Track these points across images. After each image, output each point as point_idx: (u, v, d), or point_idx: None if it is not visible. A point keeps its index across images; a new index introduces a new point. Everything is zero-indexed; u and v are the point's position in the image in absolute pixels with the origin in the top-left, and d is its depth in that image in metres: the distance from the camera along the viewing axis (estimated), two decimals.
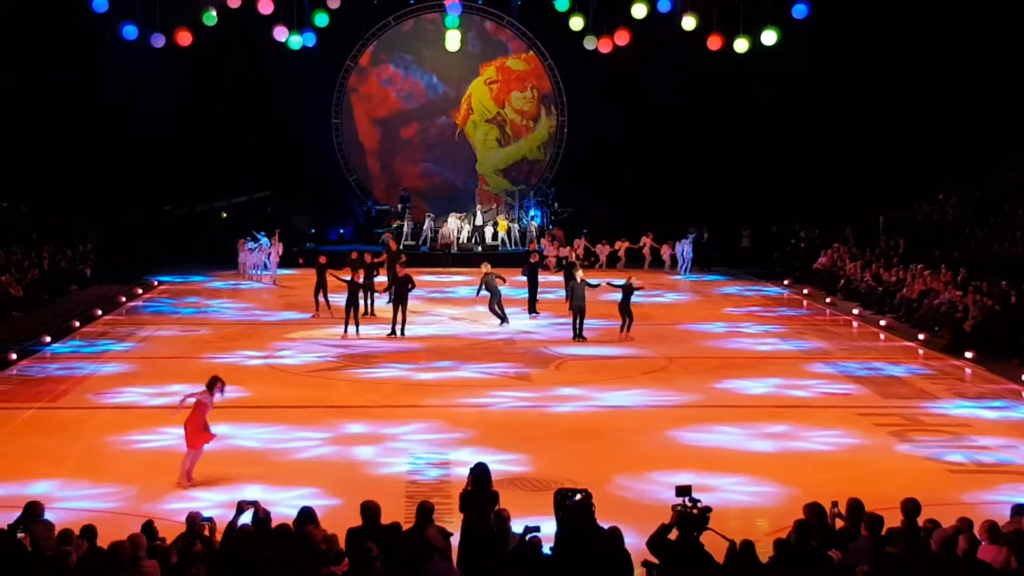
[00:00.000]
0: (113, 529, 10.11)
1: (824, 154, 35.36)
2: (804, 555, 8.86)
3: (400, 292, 23.56)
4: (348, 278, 23.84)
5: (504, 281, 24.70)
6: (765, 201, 36.24)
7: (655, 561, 8.87)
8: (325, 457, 15.06)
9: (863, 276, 29.44)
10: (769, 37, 32.72)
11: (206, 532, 9.67)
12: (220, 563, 9.11)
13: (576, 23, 34.23)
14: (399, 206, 37.33)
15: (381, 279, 26.43)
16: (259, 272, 32.71)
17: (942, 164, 33.95)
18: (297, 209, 37.56)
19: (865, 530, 9.37)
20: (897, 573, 8.71)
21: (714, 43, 32.93)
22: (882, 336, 24.63)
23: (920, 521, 9.66)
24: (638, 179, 37.07)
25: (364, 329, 23.61)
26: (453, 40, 36.40)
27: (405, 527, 9.80)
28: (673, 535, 8.82)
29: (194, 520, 9.65)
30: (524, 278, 27.00)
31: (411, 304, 24.31)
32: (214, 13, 32.42)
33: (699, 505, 8.79)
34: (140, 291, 29.89)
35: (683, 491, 8.89)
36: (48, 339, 22.76)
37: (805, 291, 30.85)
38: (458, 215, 37.59)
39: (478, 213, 37.68)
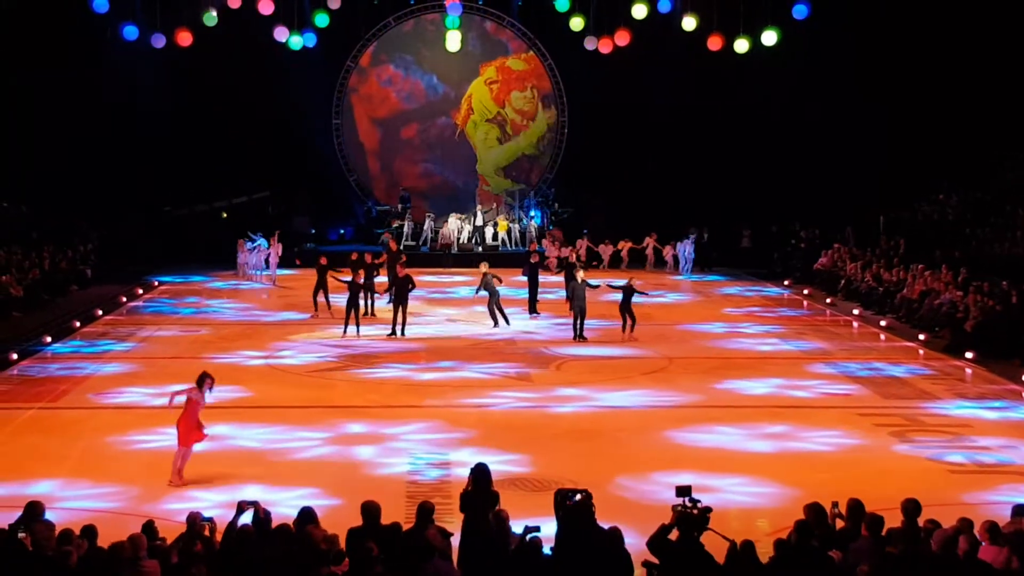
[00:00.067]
0: (114, 529, 10.11)
1: (824, 154, 35.37)
2: (804, 555, 8.85)
3: (400, 292, 23.57)
4: (348, 279, 23.85)
5: (500, 281, 24.67)
6: (765, 201, 36.25)
7: (655, 561, 8.87)
8: (325, 457, 15.06)
9: (863, 276, 29.43)
10: (769, 37, 32.71)
11: (206, 532, 9.67)
12: (220, 563, 9.11)
13: (576, 23, 34.22)
14: (399, 206, 37.34)
15: (381, 279, 26.45)
16: (259, 272, 32.71)
17: (942, 164, 33.95)
18: (297, 209, 37.56)
19: (865, 530, 9.37)
20: (897, 573, 8.71)
21: (714, 43, 32.91)
22: (883, 336, 24.63)
23: (921, 521, 9.66)
24: (638, 179, 37.10)
25: (364, 329, 23.60)
26: (453, 40, 36.40)
27: (405, 527, 9.80)
28: (673, 535, 8.82)
29: (194, 520, 9.65)
30: (524, 278, 26.99)
31: (411, 304, 24.28)
32: (214, 13, 32.42)
33: (699, 505, 8.78)
34: (140, 291, 29.89)
35: (683, 491, 8.88)
36: (49, 339, 22.77)
37: (806, 291, 30.85)
38: (458, 215, 37.59)
39: (478, 213, 37.68)
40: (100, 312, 26.22)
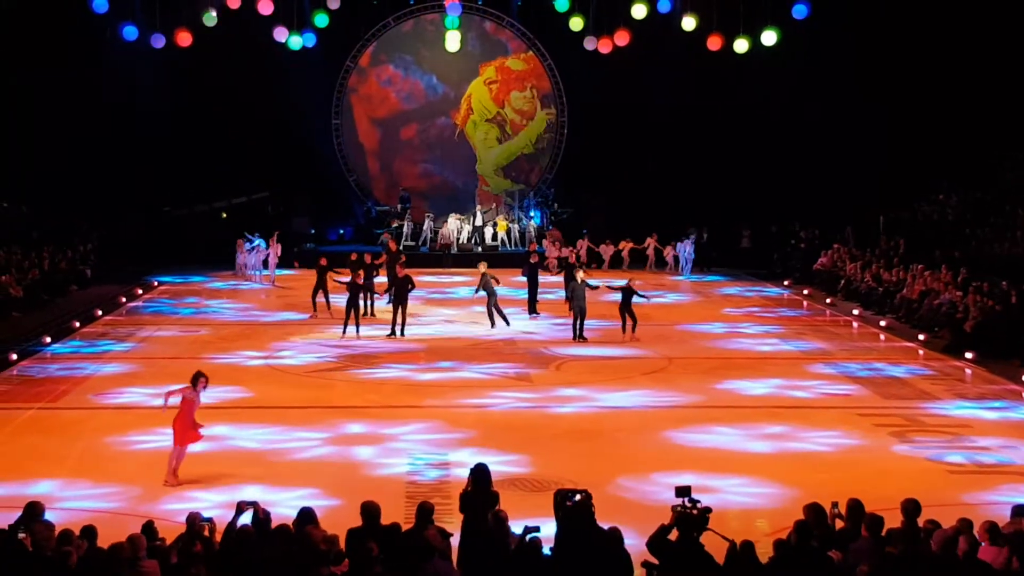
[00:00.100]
0: (113, 529, 10.10)
1: (824, 154, 35.37)
2: (804, 556, 8.85)
3: (400, 293, 23.56)
4: (347, 279, 23.85)
5: (498, 282, 24.62)
6: (765, 201, 36.25)
7: (655, 562, 8.87)
8: (325, 457, 15.06)
9: (863, 276, 29.43)
10: (769, 37, 32.72)
11: (206, 532, 9.66)
12: (220, 564, 9.11)
13: (576, 23, 34.22)
14: (399, 206, 37.34)
15: (381, 280, 26.44)
16: (258, 273, 32.70)
17: (942, 164, 33.95)
18: (297, 210, 37.56)
19: (865, 531, 9.37)
20: (897, 574, 8.71)
21: (714, 43, 32.92)
22: (882, 337, 24.63)
23: (920, 522, 9.66)
24: (638, 179, 37.10)
25: (364, 330, 23.59)
26: (453, 41, 36.40)
27: (405, 527, 9.80)
28: (673, 536, 8.82)
29: (194, 520, 9.65)
30: (524, 278, 26.98)
31: (410, 305, 24.26)
32: (214, 13, 32.42)
33: (699, 506, 8.78)
34: (140, 291, 29.89)
35: (683, 492, 8.88)
36: (48, 339, 22.77)
37: (805, 291, 30.85)
38: (458, 216, 37.59)
39: (478, 214, 37.68)
40: (100, 312, 26.22)
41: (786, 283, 32.70)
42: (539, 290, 26.51)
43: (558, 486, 10.41)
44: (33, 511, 9.74)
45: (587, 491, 9.45)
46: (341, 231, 38.55)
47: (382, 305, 25.25)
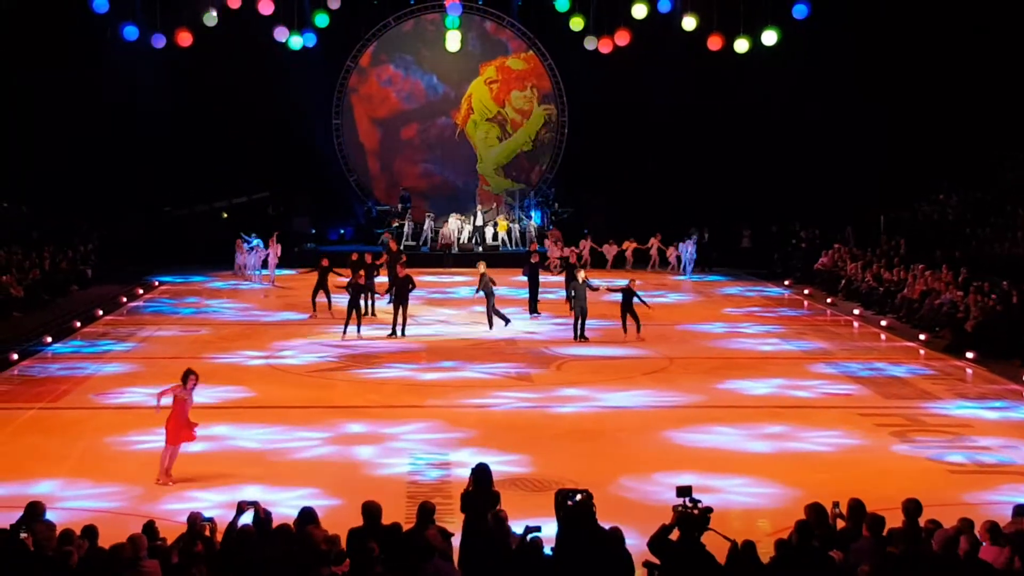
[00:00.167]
0: (114, 529, 10.11)
1: (824, 154, 35.37)
2: (805, 555, 8.85)
3: (401, 293, 23.56)
4: (349, 280, 23.86)
5: (494, 283, 24.58)
6: (765, 201, 36.25)
7: (656, 561, 8.87)
8: (325, 457, 15.06)
9: (864, 276, 29.43)
10: (769, 37, 32.72)
11: (207, 532, 9.66)
12: (221, 563, 9.11)
13: (576, 23, 34.23)
14: (399, 206, 37.34)
15: (382, 280, 26.44)
16: (257, 273, 32.67)
17: (942, 164, 33.95)
18: (297, 209, 37.56)
19: (866, 530, 9.37)
20: (898, 573, 8.71)
21: (714, 43, 32.92)
22: (883, 336, 24.63)
23: (921, 521, 9.65)
24: (638, 179, 37.11)
25: (364, 330, 23.59)
26: (453, 40, 36.40)
27: (406, 527, 9.80)
28: (674, 535, 8.81)
29: (195, 520, 9.65)
30: (525, 278, 26.97)
31: (410, 305, 24.25)
32: (214, 13, 32.42)
33: (700, 505, 8.78)
34: (141, 291, 29.89)
35: (684, 491, 8.88)
36: (49, 339, 22.77)
37: (806, 291, 30.84)
38: (458, 216, 37.58)
39: (478, 213, 37.68)
40: (100, 312, 26.22)
41: (787, 283, 32.70)
42: (540, 290, 26.50)
43: (559, 486, 10.41)
44: (34, 511, 9.74)
45: (588, 491, 9.45)
46: (342, 231, 38.55)
47: (383, 305, 25.24)
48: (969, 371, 20.88)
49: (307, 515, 9.77)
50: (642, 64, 35.36)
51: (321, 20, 33.78)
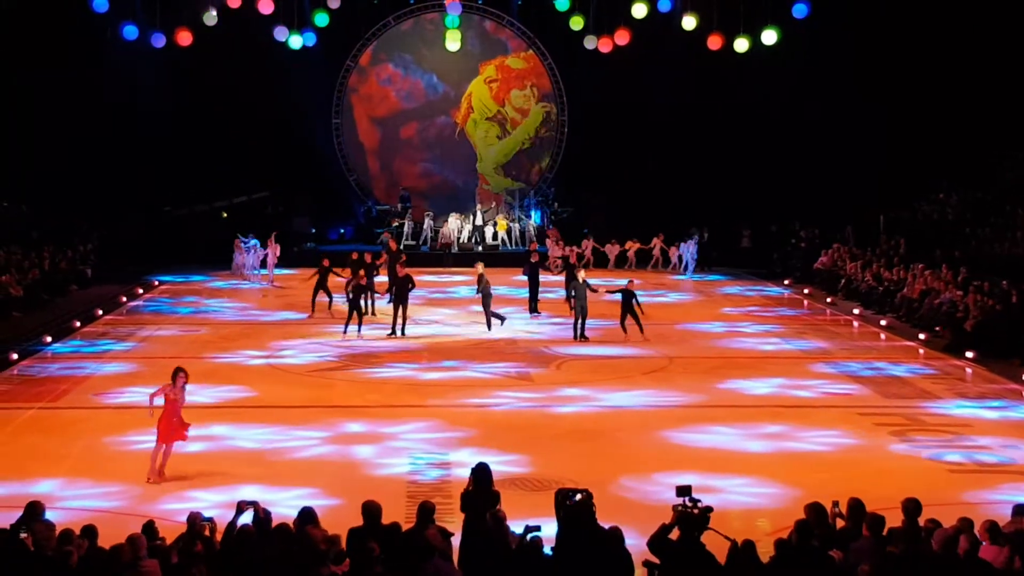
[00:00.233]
0: (114, 529, 10.11)
1: (824, 154, 35.35)
2: (805, 555, 8.85)
3: (400, 292, 23.56)
4: (349, 280, 23.85)
5: (489, 284, 24.54)
6: (765, 201, 36.23)
7: (656, 561, 8.87)
8: (325, 457, 15.06)
9: (864, 276, 29.43)
10: (769, 37, 32.74)
11: (206, 532, 9.66)
12: (220, 563, 9.11)
13: (576, 23, 34.22)
14: (399, 206, 37.34)
15: (382, 279, 26.44)
16: (256, 272, 32.65)
17: (942, 164, 33.94)
18: (297, 209, 37.55)
19: (866, 530, 9.37)
20: (898, 573, 8.71)
21: (714, 43, 32.94)
22: (883, 336, 24.63)
23: (921, 521, 9.66)
24: (638, 179, 37.10)
25: (364, 330, 23.58)
26: (453, 40, 36.40)
27: (405, 527, 9.79)
28: (674, 535, 8.81)
29: (195, 520, 9.65)
30: (524, 278, 26.96)
31: (410, 305, 24.24)
32: (214, 13, 32.42)
33: (700, 505, 8.77)
34: (140, 291, 29.89)
35: (683, 491, 8.87)
36: (49, 339, 22.76)
37: (806, 291, 30.84)
38: (458, 215, 37.58)
39: (478, 213, 37.67)
40: (100, 312, 26.22)
41: (786, 282, 32.70)
42: (540, 289, 26.49)
43: (559, 486, 10.40)
44: (34, 511, 9.74)
45: (588, 491, 9.44)
46: (341, 231, 38.55)
47: (382, 305, 25.23)
48: (969, 370, 20.88)
49: (306, 515, 9.77)
50: (642, 63, 35.35)
51: (321, 19, 33.79)
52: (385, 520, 9.68)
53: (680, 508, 8.79)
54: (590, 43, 34.35)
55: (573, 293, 23.74)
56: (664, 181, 36.51)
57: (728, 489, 13.48)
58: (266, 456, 15.02)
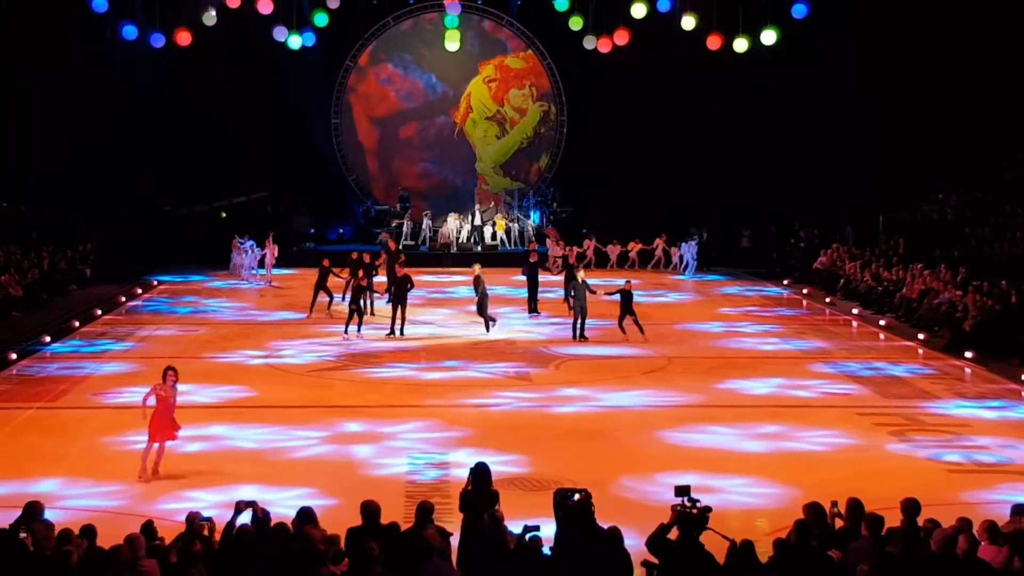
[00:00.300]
0: (113, 529, 10.09)
1: (824, 154, 35.36)
2: (804, 555, 8.85)
3: (399, 292, 23.55)
4: (348, 280, 23.84)
5: (486, 285, 24.49)
6: (765, 201, 36.24)
7: (655, 561, 8.87)
8: (324, 457, 15.06)
9: (863, 276, 29.43)
10: (769, 37, 32.75)
11: (205, 532, 9.66)
12: (219, 563, 9.11)
13: (576, 23, 34.22)
14: (398, 206, 37.34)
15: (381, 279, 26.43)
16: (254, 272, 32.63)
17: (942, 164, 33.95)
18: (297, 209, 37.56)
19: (865, 530, 9.37)
20: (897, 573, 8.71)
21: (714, 43, 32.95)
22: (882, 336, 24.63)
23: (920, 521, 9.66)
24: (638, 179, 37.11)
25: (364, 330, 23.57)
26: (452, 40, 36.39)
27: (404, 527, 9.79)
28: (673, 535, 8.82)
29: (193, 520, 9.65)
30: (524, 278, 26.95)
31: (409, 305, 24.23)
32: (214, 13, 32.42)
33: (698, 505, 8.78)
34: (140, 291, 29.89)
35: (682, 491, 8.88)
36: (48, 339, 22.77)
37: (805, 291, 30.84)
38: (457, 215, 37.58)
39: (477, 212, 37.67)
40: (99, 312, 26.21)
41: (786, 282, 32.70)
42: (539, 289, 26.49)
43: (558, 486, 10.41)
44: (33, 510, 9.74)
45: (587, 490, 9.45)
46: (341, 230, 38.54)
47: (382, 305, 25.23)
48: (968, 370, 20.89)
49: (305, 515, 9.77)
50: (641, 63, 35.36)
51: (320, 19, 33.80)
52: (384, 520, 9.68)
53: (679, 508, 8.80)
54: (589, 43, 34.35)
55: (572, 293, 23.76)
56: (663, 181, 36.51)
57: (727, 489, 13.49)
58: (265, 456, 15.02)
